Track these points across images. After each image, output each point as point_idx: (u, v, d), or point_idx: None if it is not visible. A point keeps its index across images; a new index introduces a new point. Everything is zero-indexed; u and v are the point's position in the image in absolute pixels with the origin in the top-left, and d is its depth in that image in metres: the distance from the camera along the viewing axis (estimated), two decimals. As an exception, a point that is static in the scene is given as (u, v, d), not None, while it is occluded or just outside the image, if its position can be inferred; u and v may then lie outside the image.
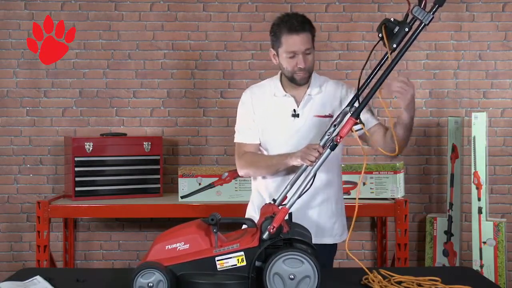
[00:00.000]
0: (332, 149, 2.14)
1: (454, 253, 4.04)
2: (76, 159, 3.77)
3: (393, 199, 3.75)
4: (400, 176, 3.78)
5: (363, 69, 2.25)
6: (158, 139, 3.98)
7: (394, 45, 2.12)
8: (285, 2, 4.20)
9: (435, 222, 4.11)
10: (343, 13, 4.24)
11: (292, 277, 1.94)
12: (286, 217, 2.08)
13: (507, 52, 4.25)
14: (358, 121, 2.15)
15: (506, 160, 4.26)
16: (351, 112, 2.23)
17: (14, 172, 4.21)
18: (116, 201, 3.78)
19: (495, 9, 4.23)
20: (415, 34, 2.10)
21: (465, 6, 4.24)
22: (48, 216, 3.64)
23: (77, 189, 3.77)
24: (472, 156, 3.89)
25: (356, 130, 2.22)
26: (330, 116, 2.51)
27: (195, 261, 1.98)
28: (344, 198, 2.70)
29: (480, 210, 3.85)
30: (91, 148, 3.80)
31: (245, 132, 2.61)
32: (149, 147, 3.91)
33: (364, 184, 3.73)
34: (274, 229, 1.99)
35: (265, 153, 2.59)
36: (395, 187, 3.74)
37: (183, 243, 2.01)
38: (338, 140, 2.14)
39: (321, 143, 2.31)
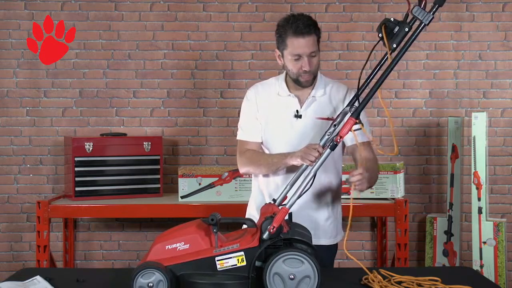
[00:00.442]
0: (332, 149, 2.15)
1: (454, 253, 4.04)
2: (76, 159, 3.78)
3: (393, 199, 3.75)
4: (400, 176, 3.78)
5: (363, 69, 2.25)
6: (158, 139, 3.98)
7: (394, 45, 2.12)
8: (285, 2, 4.20)
9: (435, 222, 4.10)
10: (343, 13, 4.24)
11: (292, 277, 1.94)
12: (286, 217, 2.08)
13: (507, 52, 4.25)
14: (358, 121, 2.15)
15: (506, 160, 4.26)
16: (351, 112, 2.23)
17: (14, 172, 4.21)
18: (116, 201, 3.78)
19: (495, 9, 4.23)
20: (415, 34, 2.10)
21: (465, 6, 4.24)
22: (48, 216, 3.64)
23: (77, 189, 3.77)
24: (472, 156, 3.89)
25: (355, 130, 2.22)
26: (332, 119, 2.50)
27: (195, 261, 1.98)
28: (344, 198, 2.71)
29: (480, 210, 3.84)
30: (91, 148, 3.80)
31: (247, 130, 2.61)
32: (149, 147, 3.91)
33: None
34: (274, 229, 1.99)
35: (267, 151, 2.59)
36: (395, 187, 3.74)
37: (183, 243, 2.01)
38: (338, 140, 2.14)
39: (321, 143, 2.31)
